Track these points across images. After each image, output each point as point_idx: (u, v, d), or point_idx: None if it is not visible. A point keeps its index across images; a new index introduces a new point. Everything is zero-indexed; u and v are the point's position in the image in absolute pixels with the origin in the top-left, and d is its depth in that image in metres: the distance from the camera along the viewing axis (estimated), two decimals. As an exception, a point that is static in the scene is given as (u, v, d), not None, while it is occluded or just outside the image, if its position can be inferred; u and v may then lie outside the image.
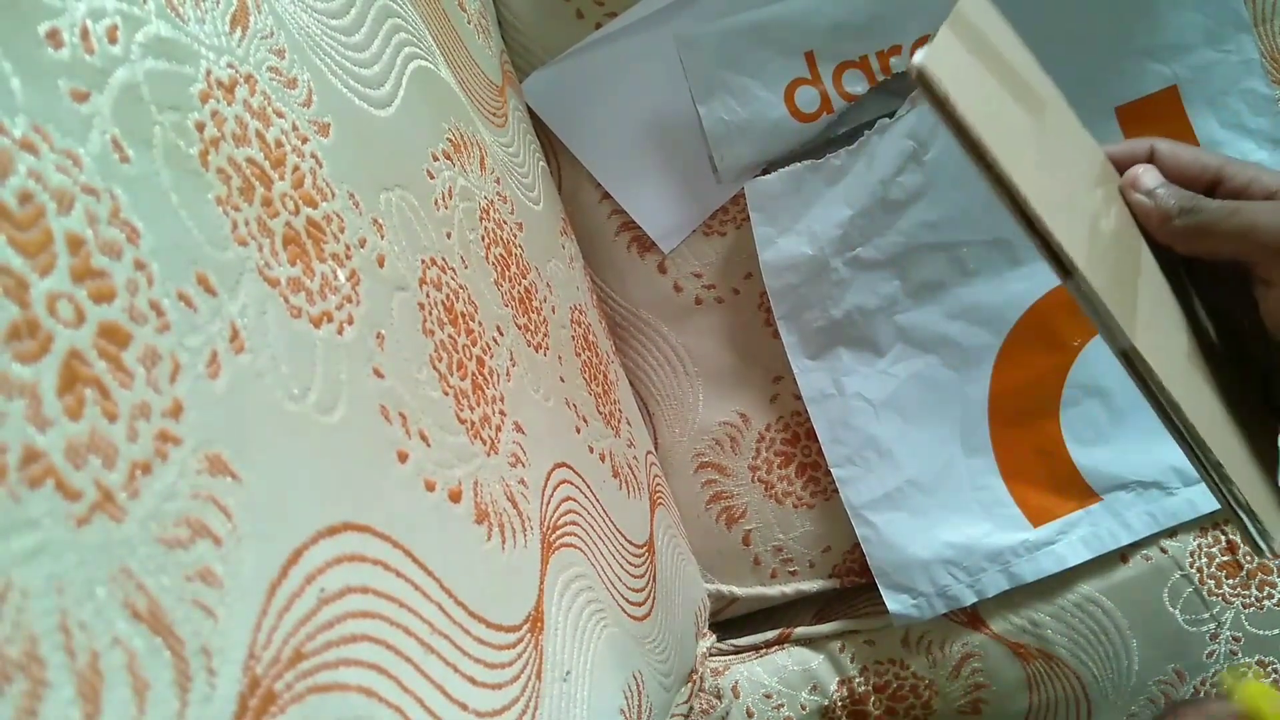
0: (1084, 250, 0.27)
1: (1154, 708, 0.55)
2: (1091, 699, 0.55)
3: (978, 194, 0.54)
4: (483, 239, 0.35)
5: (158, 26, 0.20)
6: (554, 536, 0.33)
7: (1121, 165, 0.35)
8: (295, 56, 0.26)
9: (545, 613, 0.30)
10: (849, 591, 0.58)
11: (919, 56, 0.25)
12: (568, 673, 0.31)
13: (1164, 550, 0.55)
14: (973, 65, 0.28)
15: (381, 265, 0.26)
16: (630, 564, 0.41)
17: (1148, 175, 0.34)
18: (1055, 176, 0.29)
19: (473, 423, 0.29)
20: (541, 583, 0.31)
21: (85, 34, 0.18)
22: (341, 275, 0.24)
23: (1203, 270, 0.34)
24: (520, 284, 0.38)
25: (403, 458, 0.24)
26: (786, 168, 0.52)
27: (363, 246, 0.26)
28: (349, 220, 0.25)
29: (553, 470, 0.35)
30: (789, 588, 0.57)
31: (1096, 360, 0.53)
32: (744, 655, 0.58)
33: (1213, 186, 0.34)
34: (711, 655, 0.56)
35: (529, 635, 0.28)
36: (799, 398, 0.55)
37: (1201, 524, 0.55)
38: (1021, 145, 0.27)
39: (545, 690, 0.28)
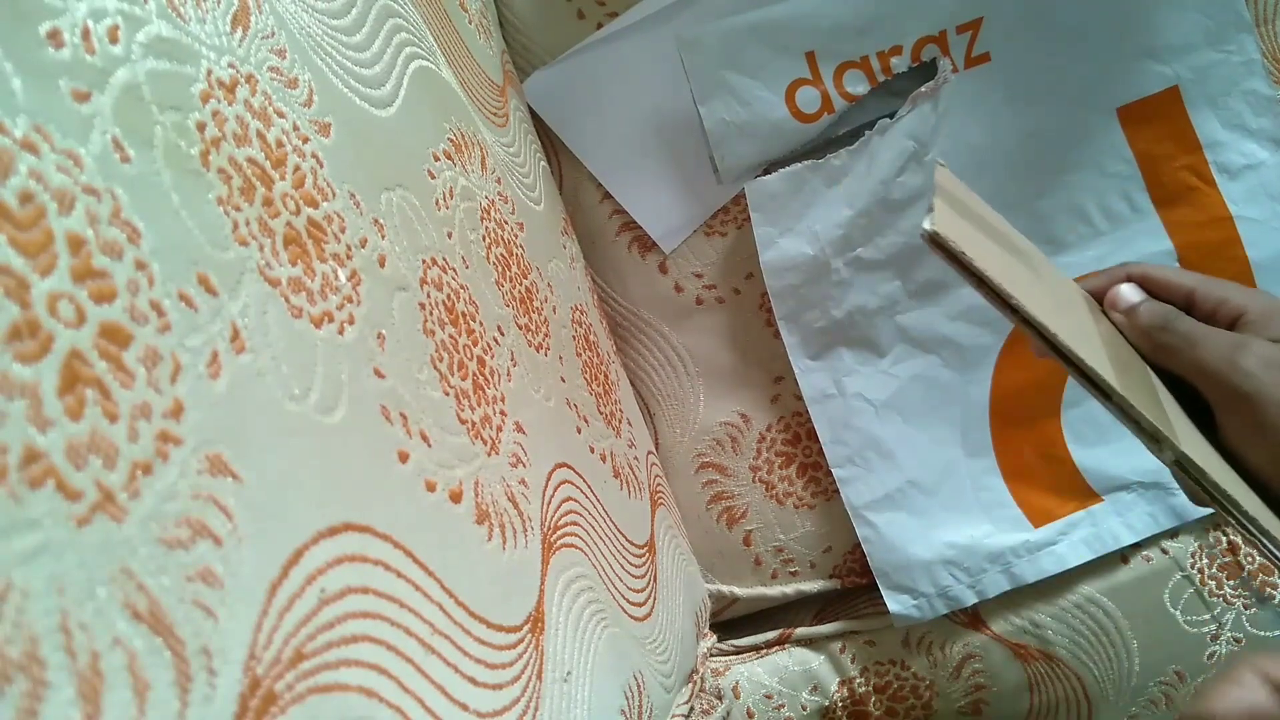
0: (1115, 375, 0.29)
1: (1154, 709, 0.56)
2: (1092, 700, 0.55)
3: (979, 194, 0.54)
4: (484, 239, 0.35)
5: (159, 26, 0.20)
6: (555, 537, 0.33)
7: (1100, 293, 0.37)
8: (296, 56, 0.26)
9: (546, 613, 0.30)
10: (849, 592, 0.58)
11: (927, 223, 0.28)
12: (568, 673, 0.30)
13: (1165, 551, 0.55)
14: (968, 227, 0.30)
15: (382, 265, 0.26)
16: (631, 564, 0.41)
17: (1131, 292, 0.36)
18: (1064, 313, 0.31)
19: (473, 423, 0.29)
20: (542, 583, 0.31)
21: (86, 34, 0.18)
22: (342, 275, 0.24)
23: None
24: (521, 284, 0.38)
25: (403, 458, 0.24)
26: (787, 168, 0.52)
27: (364, 246, 0.26)
28: (350, 220, 0.25)
29: (553, 470, 0.35)
30: (790, 588, 0.57)
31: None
32: (745, 655, 0.58)
33: (1189, 303, 0.36)
34: (712, 655, 0.56)
35: (530, 636, 0.28)
36: (800, 398, 0.55)
37: (1203, 525, 0.55)
38: (1031, 290, 0.30)
39: (546, 691, 0.28)
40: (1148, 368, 0.35)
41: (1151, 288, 0.36)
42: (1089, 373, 0.29)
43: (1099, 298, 0.37)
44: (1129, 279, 0.37)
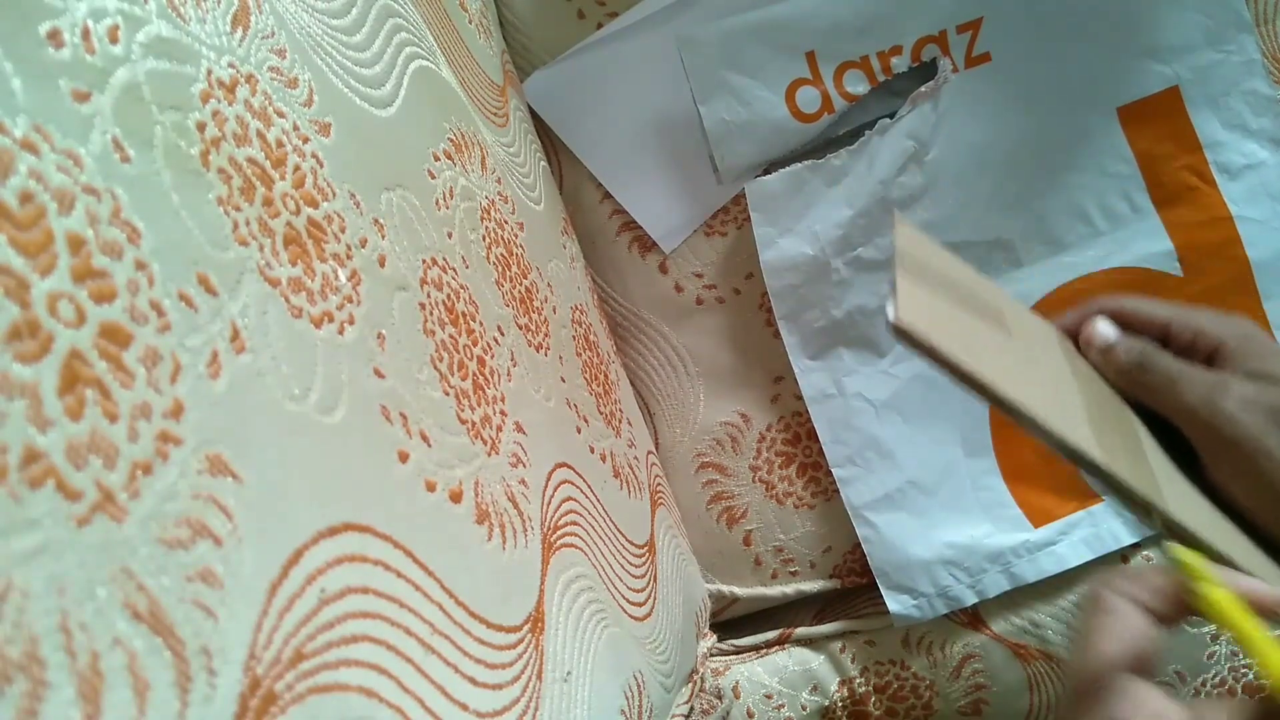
0: (1095, 441, 0.28)
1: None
2: (1092, 700, 0.55)
3: (978, 194, 0.54)
4: (484, 239, 0.35)
5: (159, 26, 0.20)
6: (555, 537, 0.33)
7: (1074, 330, 0.37)
8: (296, 56, 0.26)
9: (546, 613, 0.30)
10: (850, 592, 0.58)
11: (890, 312, 0.25)
12: (568, 673, 0.30)
13: (1165, 551, 0.55)
14: (934, 300, 0.29)
15: (382, 265, 0.26)
16: (631, 564, 0.41)
17: (1107, 329, 0.35)
18: (1040, 376, 0.30)
19: (473, 423, 0.29)
20: (542, 583, 0.31)
21: (86, 34, 0.18)
22: (342, 275, 0.24)
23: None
24: (521, 284, 0.38)
25: (403, 458, 0.24)
26: (787, 168, 0.52)
27: (364, 246, 0.26)
28: (350, 220, 0.25)
29: (553, 470, 0.35)
30: (790, 588, 0.57)
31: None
32: (744, 655, 0.58)
33: (1165, 336, 0.35)
34: (712, 655, 0.56)
35: (529, 635, 0.28)
36: (800, 398, 0.55)
37: (1202, 525, 0.55)
38: (1005, 360, 0.28)
39: (546, 691, 0.28)
40: (1128, 408, 0.34)
41: (1127, 321, 0.36)
42: (1077, 451, 0.27)
43: (1073, 334, 0.37)
44: (1103, 313, 0.36)
